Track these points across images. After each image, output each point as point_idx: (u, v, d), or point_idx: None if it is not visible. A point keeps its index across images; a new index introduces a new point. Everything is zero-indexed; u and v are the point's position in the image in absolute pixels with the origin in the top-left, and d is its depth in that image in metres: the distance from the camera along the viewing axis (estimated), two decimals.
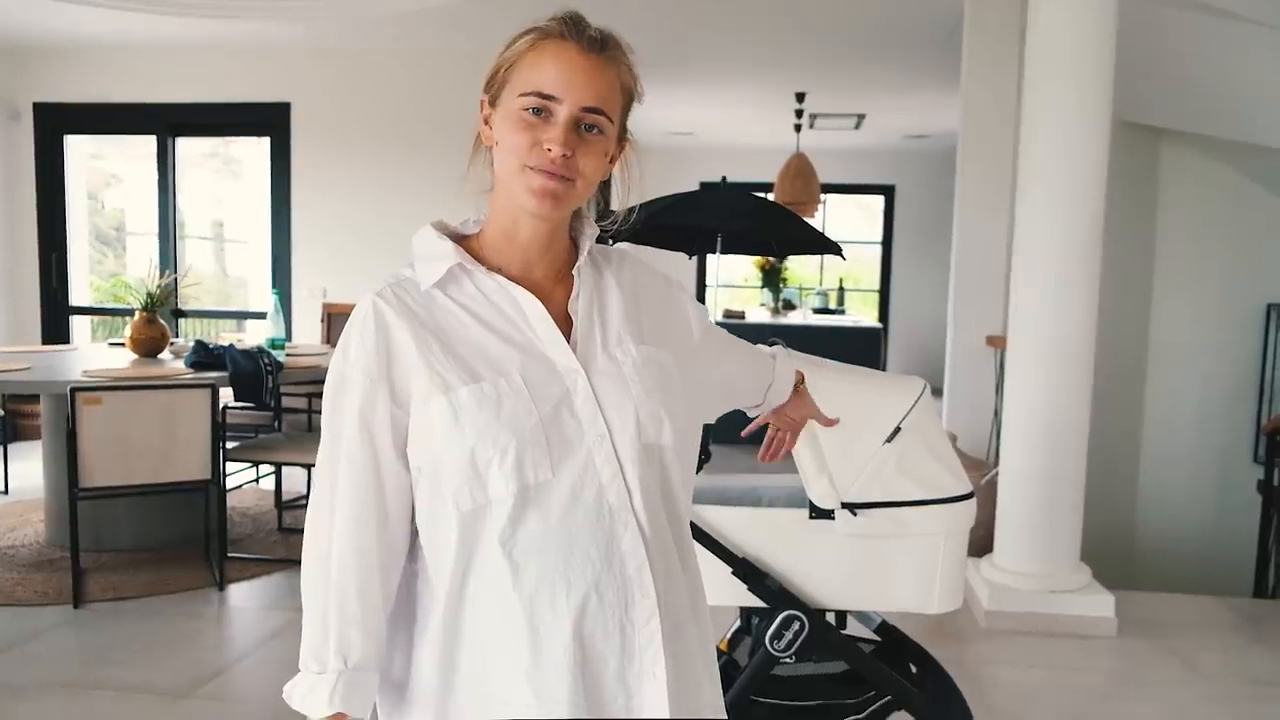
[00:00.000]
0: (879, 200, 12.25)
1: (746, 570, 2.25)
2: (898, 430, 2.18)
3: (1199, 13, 4.58)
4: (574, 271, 1.28)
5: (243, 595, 4.25)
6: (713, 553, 2.25)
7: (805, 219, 6.15)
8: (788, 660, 2.29)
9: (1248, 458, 6.01)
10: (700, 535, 2.25)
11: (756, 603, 2.28)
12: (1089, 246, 3.97)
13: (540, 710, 1.15)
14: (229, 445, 4.58)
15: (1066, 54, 3.92)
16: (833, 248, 5.71)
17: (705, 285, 12.10)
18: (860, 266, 12.38)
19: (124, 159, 10.21)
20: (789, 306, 10.61)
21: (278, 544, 4.88)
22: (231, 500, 5.37)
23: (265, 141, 7.50)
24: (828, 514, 2.20)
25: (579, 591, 1.15)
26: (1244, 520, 5.74)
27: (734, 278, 12.27)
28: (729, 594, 2.28)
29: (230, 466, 4.70)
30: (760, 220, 5.40)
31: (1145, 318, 6.04)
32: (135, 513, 4.68)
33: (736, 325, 8.47)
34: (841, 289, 11.16)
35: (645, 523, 1.19)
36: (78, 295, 7.90)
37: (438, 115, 6.91)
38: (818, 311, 10.56)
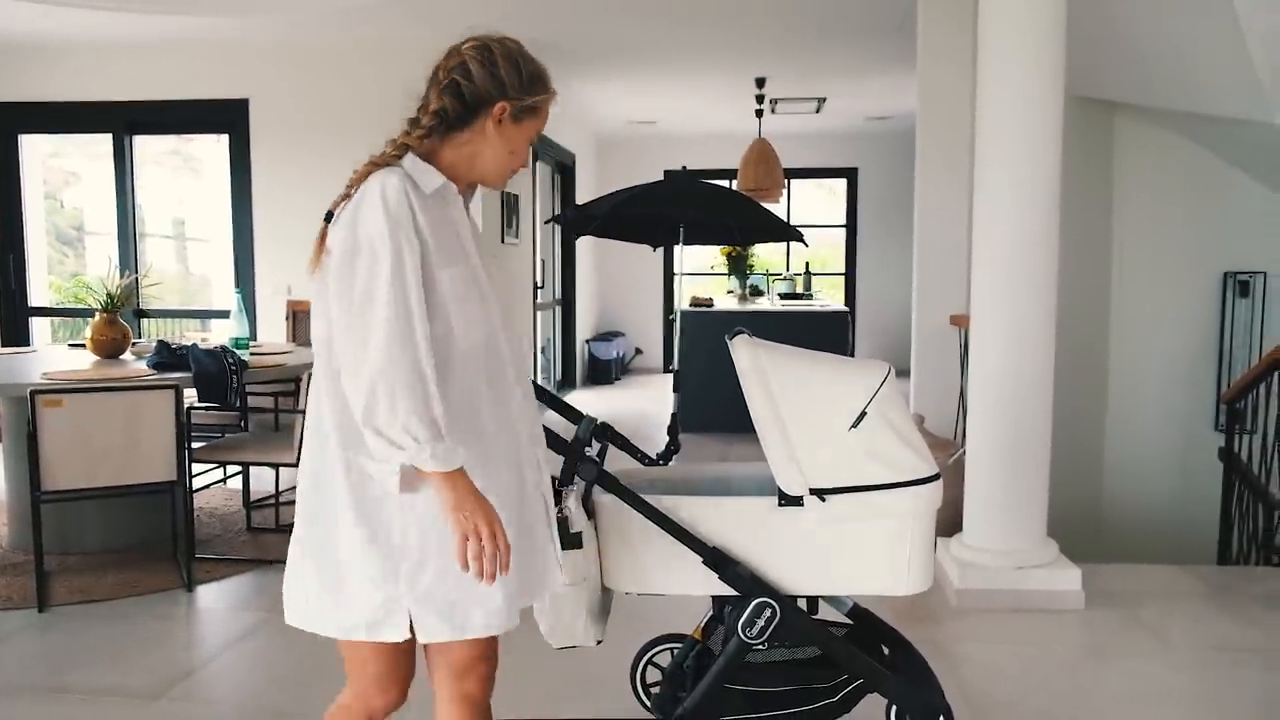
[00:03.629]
0: (842, 183, 12.29)
1: (717, 559, 2.25)
2: (863, 415, 2.19)
3: None
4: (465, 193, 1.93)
5: (212, 596, 4.22)
6: (683, 542, 2.25)
7: (767, 205, 6.14)
8: (760, 647, 2.30)
9: (1209, 426, 6.09)
10: (670, 525, 2.25)
11: (728, 591, 2.28)
12: (1047, 222, 4.00)
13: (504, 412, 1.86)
14: (195, 446, 4.54)
15: (1019, 31, 3.94)
16: (793, 234, 5.70)
17: (673, 275, 12.09)
18: (826, 250, 12.40)
19: (83, 157, 10.05)
20: (756, 293, 10.58)
21: (246, 544, 4.84)
22: (199, 501, 5.32)
23: (224, 139, 7.42)
24: (796, 500, 2.21)
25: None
26: (1208, 489, 5.82)
27: (701, 266, 12.25)
28: (701, 583, 2.29)
29: (198, 467, 4.65)
30: (717, 206, 5.38)
31: (1105, 291, 6.11)
32: (101, 515, 4.63)
33: (704, 314, 8.46)
34: (808, 273, 11.15)
35: (511, 360, 1.90)
36: (37, 296, 7.79)
37: (398, 107, 6.80)
38: (784, 297, 10.53)
